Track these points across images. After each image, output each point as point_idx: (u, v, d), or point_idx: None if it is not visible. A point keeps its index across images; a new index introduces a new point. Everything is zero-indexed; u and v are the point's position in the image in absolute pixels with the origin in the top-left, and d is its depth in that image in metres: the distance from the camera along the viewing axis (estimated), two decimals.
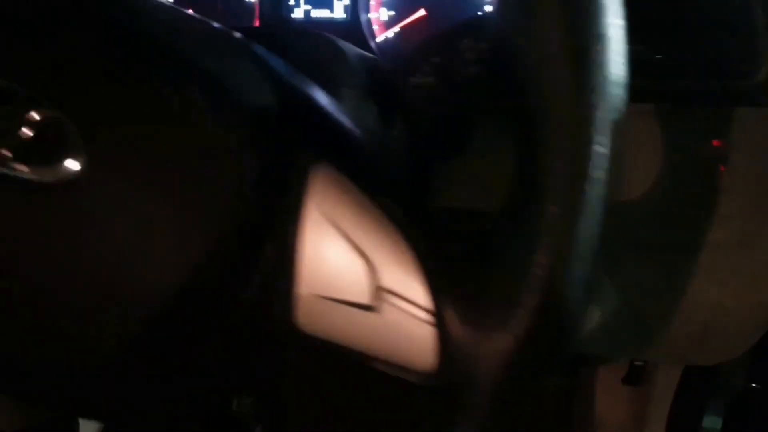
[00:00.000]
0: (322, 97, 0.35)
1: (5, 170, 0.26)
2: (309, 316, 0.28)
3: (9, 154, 0.26)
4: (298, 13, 0.77)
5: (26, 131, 0.26)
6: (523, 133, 0.27)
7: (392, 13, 0.75)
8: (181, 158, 0.28)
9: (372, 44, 0.76)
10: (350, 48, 0.45)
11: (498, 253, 0.27)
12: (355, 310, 0.27)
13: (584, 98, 0.23)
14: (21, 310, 0.27)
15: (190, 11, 0.35)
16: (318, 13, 0.77)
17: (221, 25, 0.37)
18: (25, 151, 0.27)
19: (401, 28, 0.75)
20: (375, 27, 0.76)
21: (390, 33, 0.76)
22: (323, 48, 0.44)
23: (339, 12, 0.76)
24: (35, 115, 0.27)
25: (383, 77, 0.42)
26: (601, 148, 0.23)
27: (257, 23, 0.77)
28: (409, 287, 0.27)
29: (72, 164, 0.27)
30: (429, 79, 0.40)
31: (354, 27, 0.76)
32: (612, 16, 0.23)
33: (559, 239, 0.23)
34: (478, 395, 0.25)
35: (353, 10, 0.75)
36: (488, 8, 0.72)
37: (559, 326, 0.24)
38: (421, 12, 0.74)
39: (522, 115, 0.26)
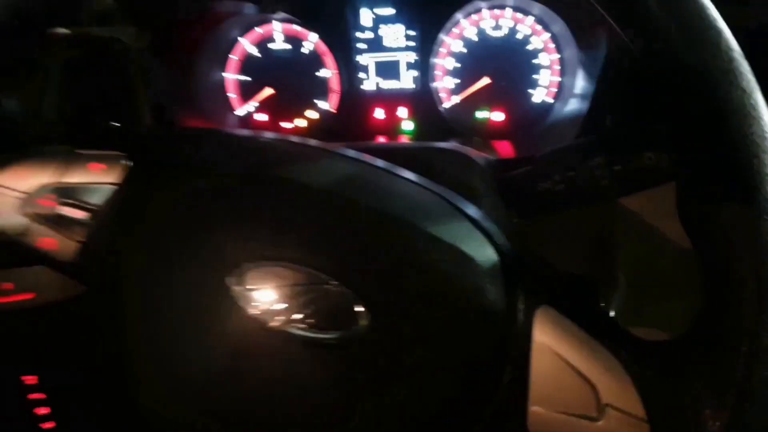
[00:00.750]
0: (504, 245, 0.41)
1: (308, 334, 0.34)
2: (543, 425, 0.36)
3: (312, 321, 0.34)
4: (369, 85, 0.84)
5: (322, 304, 0.34)
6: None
7: (457, 81, 0.82)
8: (446, 315, 0.36)
9: (440, 110, 0.83)
10: (480, 158, 0.52)
11: (694, 362, 0.35)
12: (583, 421, 0.35)
13: None
14: None
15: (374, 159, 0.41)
16: (388, 84, 0.84)
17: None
18: (321, 319, 0.34)
19: (467, 95, 0.82)
20: (442, 95, 0.83)
21: (456, 99, 0.83)
22: (460, 162, 0.51)
23: (407, 82, 0.83)
24: (327, 291, 0.34)
25: (511, 182, 0.49)
26: None
27: (337, 96, 0.83)
28: (626, 401, 0.35)
29: (358, 327, 0.35)
30: (560, 187, 0.47)
31: (423, 95, 0.83)
32: None
33: (760, 356, 0.31)
34: None
35: (421, 79, 0.82)
36: (545, 74, 0.79)
37: (760, 419, 0.32)
38: (486, 80, 0.81)
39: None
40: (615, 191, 0.45)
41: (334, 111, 0.85)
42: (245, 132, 0.45)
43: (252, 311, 0.36)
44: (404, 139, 0.84)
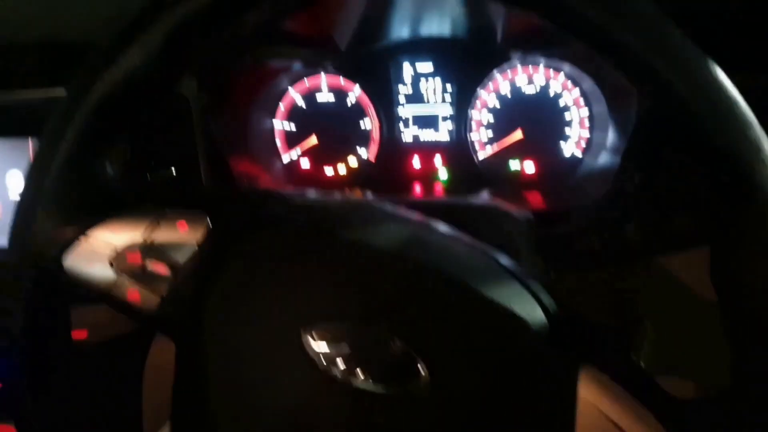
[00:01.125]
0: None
1: (367, 385, 0.38)
2: None
3: (375, 375, 0.38)
4: (407, 136, 0.89)
5: (383, 359, 0.38)
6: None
7: (491, 133, 0.87)
8: (498, 373, 0.39)
9: (475, 160, 0.88)
10: (519, 213, 0.56)
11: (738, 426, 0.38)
12: None
13: None
14: None
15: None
16: (425, 136, 0.88)
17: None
18: (382, 373, 0.38)
19: (500, 147, 0.87)
20: (477, 146, 0.87)
21: (490, 151, 0.87)
22: (501, 219, 0.55)
23: (444, 133, 0.88)
24: (390, 348, 0.38)
25: (550, 240, 0.52)
26: None
27: (377, 146, 0.89)
28: None
29: (418, 382, 0.38)
30: (597, 247, 0.50)
31: (458, 146, 0.87)
32: None
33: None
34: None
35: (457, 131, 0.87)
36: (575, 128, 0.84)
37: None
38: (519, 133, 0.86)
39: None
40: (650, 252, 0.49)
41: (373, 160, 0.90)
42: (315, 194, 0.50)
43: (321, 365, 0.40)
44: (439, 187, 0.88)
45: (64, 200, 0.45)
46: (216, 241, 0.45)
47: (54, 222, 0.45)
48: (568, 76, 0.83)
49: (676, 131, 0.37)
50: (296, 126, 0.91)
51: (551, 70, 0.83)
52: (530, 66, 0.83)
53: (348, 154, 0.91)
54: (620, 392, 0.39)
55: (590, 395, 0.39)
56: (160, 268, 0.45)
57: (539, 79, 0.84)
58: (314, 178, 0.92)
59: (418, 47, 0.84)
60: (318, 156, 0.92)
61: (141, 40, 0.41)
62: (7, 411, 0.76)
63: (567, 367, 0.39)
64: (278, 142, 0.92)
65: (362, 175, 0.91)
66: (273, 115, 0.90)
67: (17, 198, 0.74)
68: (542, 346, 0.39)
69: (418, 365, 0.38)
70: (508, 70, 0.83)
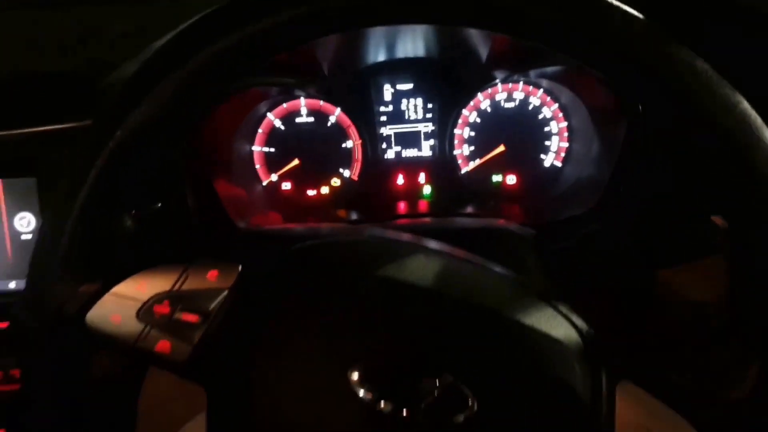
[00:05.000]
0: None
1: (417, 422, 0.38)
2: None
3: (422, 410, 0.38)
4: (390, 154, 0.89)
5: (431, 394, 0.39)
6: None
7: (473, 148, 0.89)
8: (540, 395, 0.40)
9: (459, 175, 0.89)
10: (522, 231, 0.57)
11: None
12: None
13: None
14: None
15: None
16: (408, 153, 0.89)
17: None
18: (431, 408, 0.39)
19: (483, 161, 0.88)
20: (460, 161, 0.89)
21: (473, 165, 0.89)
22: (508, 239, 0.56)
23: (426, 151, 0.89)
24: (437, 382, 0.39)
25: (556, 259, 0.54)
26: None
27: (359, 165, 0.89)
28: None
29: (465, 413, 0.39)
30: (603, 265, 0.52)
31: (441, 162, 0.89)
32: None
33: None
34: None
35: (440, 148, 0.88)
36: (554, 140, 0.86)
37: None
38: (501, 148, 0.88)
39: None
40: (661, 264, 0.51)
41: (356, 179, 0.90)
42: (340, 233, 0.49)
43: (368, 404, 0.40)
44: (423, 204, 0.89)
45: (82, 257, 0.44)
46: (250, 288, 0.45)
47: (73, 280, 0.44)
48: (546, 91, 0.85)
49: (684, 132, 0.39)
50: (276, 149, 0.90)
51: (530, 86, 0.85)
52: (510, 83, 0.85)
53: (331, 175, 0.91)
54: (656, 404, 0.41)
55: (628, 410, 0.40)
56: (190, 317, 0.44)
57: (519, 95, 0.86)
58: (296, 199, 0.91)
59: (397, 68, 0.85)
60: (300, 177, 0.91)
61: (155, 94, 0.40)
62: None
63: (604, 383, 0.41)
64: (257, 166, 0.91)
65: (345, 195, 0.90)
66: (252, 141, 0.89)
67: (29, 238, 0.71)
68: (580, 365, 0.41)
69: (468, 396, 0.39)
70: (489, 89, 0.85)
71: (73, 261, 0.43)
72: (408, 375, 0.40)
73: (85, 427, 0.48)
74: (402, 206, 0.88)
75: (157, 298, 0.44)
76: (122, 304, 0.44)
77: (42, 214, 0.57)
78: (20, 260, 0.74)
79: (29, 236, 0.73)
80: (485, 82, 0.82)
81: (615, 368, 0.42)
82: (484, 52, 0.76)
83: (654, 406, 0.41)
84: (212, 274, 0.45)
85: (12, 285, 0.74)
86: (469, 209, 0.84)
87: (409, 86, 0.86)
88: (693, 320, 0.60)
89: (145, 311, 0.44)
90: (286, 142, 0.89)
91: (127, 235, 0.48)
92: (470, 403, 0.39)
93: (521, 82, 0.84)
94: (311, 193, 0.91)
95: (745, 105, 0.36)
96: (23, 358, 0.44)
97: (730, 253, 0.45)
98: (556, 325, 0.42)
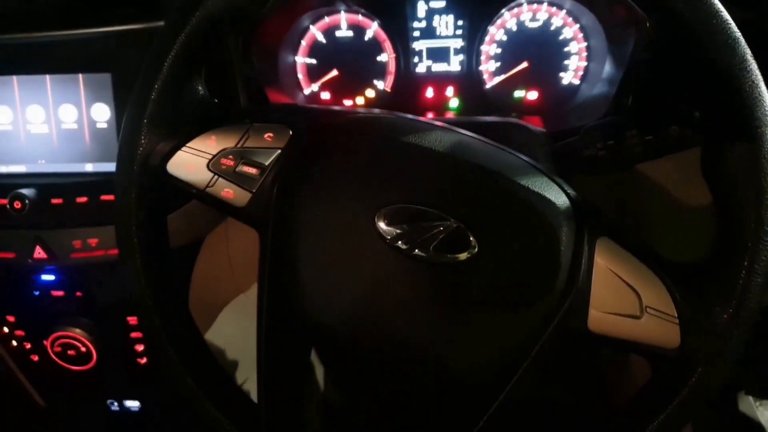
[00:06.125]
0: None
1: (427, 255, 0.48)
2: (599, 323, 0.50)
3: (434, 248, 0.48)
4: (421, 68, 0.97)
5: (440, 235, 0.49)
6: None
7: (498, 64, 0.96)
8: (534, 243, 0.50)
9: (484, 90, 0.97)
10: (536, 129, 0.66)
11: (710, 275, 0.49)
12: (628, 319, 0.50)
13: None
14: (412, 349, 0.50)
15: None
16: (438, 67, 0.97)
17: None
18: (439, 246, 0.49)
19: (507, 77, 0.96)
20: (485, 76, 0.97)
21: (497, 80, 0.97)
22: (522, 133, 0.65)
23: (455, 65, 0.97)
24: (445, 225, 0.49)
25: (562, 149, 0.63)
26: None
27: (393, 77, 0.97)
28: (662, 304, 0.49)
29: (467, 253, 0.49)
30: (601, 153, 0.61)
31: (468, 77, 0.96)
32: None
33: (756, 267, 0.46)
34: (711, 357, 0.47)
35: (468, 63, 0.96)
36: (573, 59, 0.93)
37: (754, 313, 0.47)
38: (524, 64, 0.95)
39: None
40: (646, 156, 0.59)
41: (389, 90, 0.98)
42: (384, 112, 0.59)
43: (390, 241, 0.50)
44: (450, 115, 0.98)
45: (166, 116, 0.54)
46: (297, 147, 0.54)
47: (158, 135, 0.54)
48: (568, 12, 0.91)
49: (677, 57, 0.47)
50: (317, 60, 0.98)
51: (553, 7, 0.91)
52: (535, 3, 0.91)
53: (366, 86, 0.99)
54: (628, 257, 0.50)
55: (603, 260, 0.50)
56: (250, 170, 0.54)
57: (542, 15, 0.92)
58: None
59: None
60: (338, 88, 1.00)
61: None
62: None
63: (587, 238, 0.50)
64: (300, 76, 1.00)
65: (379, 106, 0.99)
66: (296, 52, 0.98)
67: (105, 126, 0.81)
68: (567, 222, 0.50)
69: (470, 238, 0.49)
70: (516, 8, 0.91)
71: (156, 120, 0.53)
72: (422, 220, 0.50)
73: (168, 290, 0.58)
74: (431, 117, 0.97)
75: (224, 153, 0.55)
76: (195, 156, 0.55)
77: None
78: (96, 146, 0.85)
79: (104, 125, 0.83)
80: (511, 0, 0.88)
81: (596, 226, 0.51)
82: None
83: (627, 258, 0.50)
84: (269, 136, 0.55)
85: (89, 167, 0.85)
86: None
87: (441, 4, 0.93)
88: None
89: (213, 163, 0.54)
90: (326, 54, 0.98)
91: (201, 100, 0.58)
92: (472, 245, 0.49)
93: (545, 3, 0.90)
94: (348, 103, 1.00)
95: (734, 29, 0.44)
96: (116, 212, 0.55)
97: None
98: (549, 188, 0.51)
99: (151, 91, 0.52)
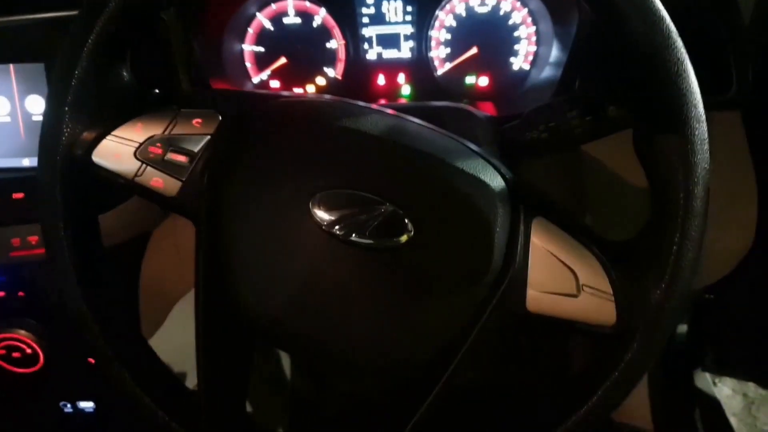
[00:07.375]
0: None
1: (363, 240, 0.47)
2: (537, 303, 0.50)
3: (370, 232, 0.47)
4: (371, 55, 0.96)
5: (376, 220, 0.48)
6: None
7: (449, 50, 0.95)
8: (469, 226, 0.49)
9: (435, 76, 0.96)
10: (481, 114, 0.65)
11: (643, 253, 0.49)
12: (566, 298, 0.49)
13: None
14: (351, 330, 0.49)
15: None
16: (389, 54, 0.96)
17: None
18: (375, 231, 0.48)
19: (457, 63, 0.95)
20: (436, 63, 0.96)
21: (448, 67, 0.96)
22: (466, 117, 0.64)
23: (405, 52, 0.96)
24: (381, 210, 0.48)
25: (505, 133, 0.63)
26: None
27: (343, 64, 0.96)
28: (597, 282, 0.49)
29: (403, 237, 0.48)
30: (544, 135, 0.61)
31: (419, 63, 0.96)
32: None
33: (686, 242, 0.46)
34: (645, 332, 0.47)
35: (418, 49, 0.95)
36: (523, 44, 0.93)
37: (686, 287, 0.47)
38: (474, 50, 0.94)
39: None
40: (587, 137, 0.59)
41: (340, 77, 0.97)
42: (316, 96, 0.57)
43: (325, 227, 0.49)
44: (403, 102, 0.97)
45: (88, 104, 0.52)
46: (228, 133, 0.53)
47: (81, 123, 0.52)
48: None
49: (612, 42, 0.47)
50: (265, 48, 0.97)
51: None
52: None
53: (316, 74, 0.97)
54: (563, 237, 0.50)
55: (540, 240, 0.50)
56: (179, 157, 0.53)
57: (491, 0, 0.92)
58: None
59: None
60: (287, 76, 0.98)
61: None
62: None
63: (523, 220, 0.50)
64: (248, 65, 0.98)
65: (331, 93, 0.97)
66: (242, 40, 0.95)
67: (40, 119, 0.78)
68: (502, 204, 0.50)
69: (406, 222, 0.48)
70: None
71: (78, 107, 0.51)
72: (357, 204, 0.49)
73: (100, 289, 0.56)
74: (383, 103, 0.95)
75: (151, 141, 0.53)
76: (122, 144, 0.53)
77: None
78: (31, 140, 0.82)
79: (39, 117, 0.80)
80: None
81: (532, 207, 0.51)
82: None
83: (563, 237, 0.50)
84: (197, 121, 0.53)
85: (25, 162, 0.82)
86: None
87: None
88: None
89: (141, 151, 0.53)
90: (274, 41, 0.96)
91: (125, 86, 0.56)
92: (408, 229, 0.48)
93: None
94: (298, 91, 0.99)
95: (659, 7, 0.43)
96: (40, 207, 0.53)
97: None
98: (484, 171, 0.51)
99: (71, 78, 0.50)
